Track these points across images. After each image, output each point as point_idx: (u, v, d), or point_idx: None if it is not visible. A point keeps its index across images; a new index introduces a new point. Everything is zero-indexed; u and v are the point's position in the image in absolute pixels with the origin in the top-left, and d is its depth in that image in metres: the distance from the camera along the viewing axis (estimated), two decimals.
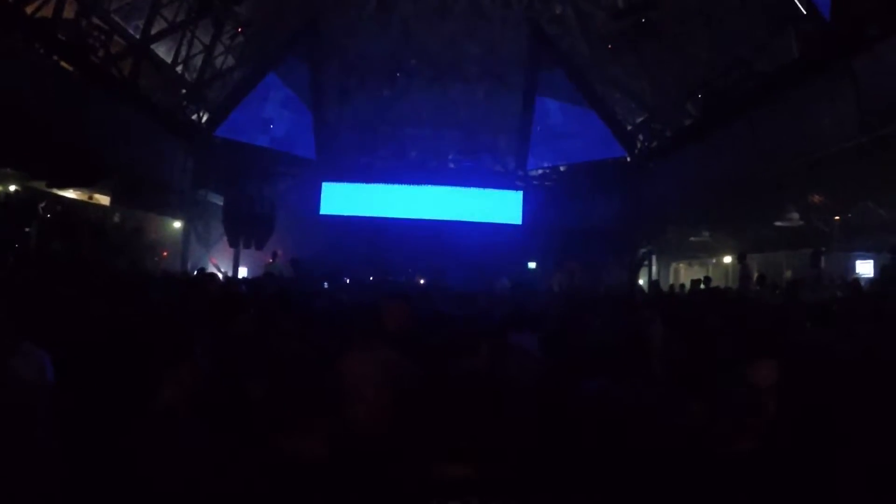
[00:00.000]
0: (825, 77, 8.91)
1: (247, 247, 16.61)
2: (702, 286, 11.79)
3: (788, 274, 11.62)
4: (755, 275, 11.30)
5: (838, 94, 8.75)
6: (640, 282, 16.54)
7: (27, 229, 11.03)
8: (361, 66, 16.80)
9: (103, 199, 13.81)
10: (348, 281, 13.29)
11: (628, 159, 16.45)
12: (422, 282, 14.73)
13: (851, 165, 8.77)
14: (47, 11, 9.50)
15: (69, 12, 10.08)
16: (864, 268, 11.02)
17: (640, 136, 15.90)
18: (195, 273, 11.80)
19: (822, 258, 10.45)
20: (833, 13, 8.53)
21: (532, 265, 18.14)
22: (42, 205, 11.68)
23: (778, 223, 11.62)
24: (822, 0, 8.83)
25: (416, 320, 3.91)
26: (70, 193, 12.91)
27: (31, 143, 9.92)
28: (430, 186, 18.41)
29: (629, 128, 16.29)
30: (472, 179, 18.49)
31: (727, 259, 14.11)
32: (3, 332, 2.58)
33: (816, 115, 9.30)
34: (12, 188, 11.21)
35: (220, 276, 12.82)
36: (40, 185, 11.58)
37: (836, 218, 10.36)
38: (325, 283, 13.39)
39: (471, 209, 18.31)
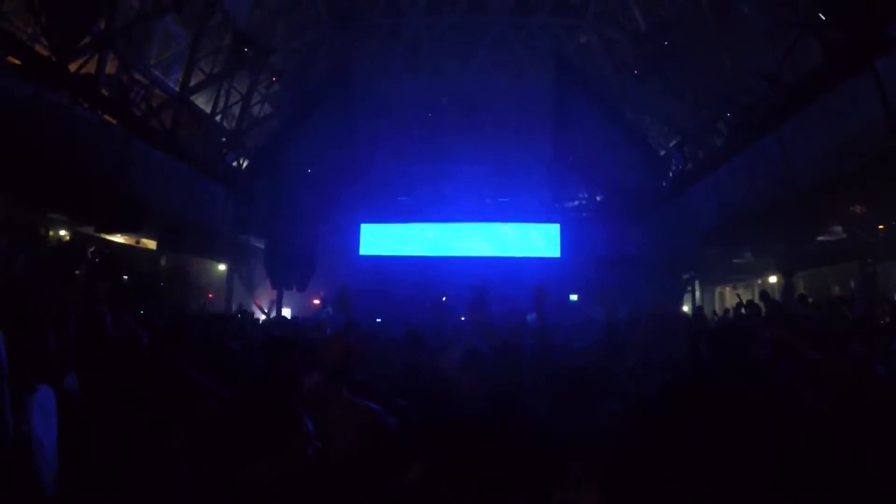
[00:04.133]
0: (850, 82, 8.59)
1: (288, 288, 16.98)
2: (742, 310, 11.28)
3: (836, 290, 10.98)
4: (797, 293, 10.73)
5: (864, 98, 8.41)
6: (685, 308, 15.98)
7: (77, 272, 11.68)
8: (393, 106, 17.24)
9: (150, 244, 14.49)
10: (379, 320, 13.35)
11: (664, 184, 16.13)
12: (462, 318, 14.68)
13: (889, 170, 8.31)
14: (90, 68, 10.24)
15: (111, 68, 10.83)
16: None
17: (674, 160, 15.61)
18: (238, 314, 12.19)
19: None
20: (853, 14, 8.28)
21: (574, 297, 17.79)
22: (91, 249, 12.36)
23: (821, 238, 11.08)
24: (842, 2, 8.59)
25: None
26: (118, 238, 13.60)
27: (79, 191, 10.61)
28: (466, 223, 18.47)
29: (662, 152, 16.02)
30: (508, 214, 18.43)
31: (773, 279, 13.48)
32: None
33: (845, 123, 8.92)
34: (63, 233, 11.89)
35: (263, 317, 13.22)
36: (88, 230, 12.26)
37: (881, 227, 9.78)
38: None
39: (509, 244, 18.23)
